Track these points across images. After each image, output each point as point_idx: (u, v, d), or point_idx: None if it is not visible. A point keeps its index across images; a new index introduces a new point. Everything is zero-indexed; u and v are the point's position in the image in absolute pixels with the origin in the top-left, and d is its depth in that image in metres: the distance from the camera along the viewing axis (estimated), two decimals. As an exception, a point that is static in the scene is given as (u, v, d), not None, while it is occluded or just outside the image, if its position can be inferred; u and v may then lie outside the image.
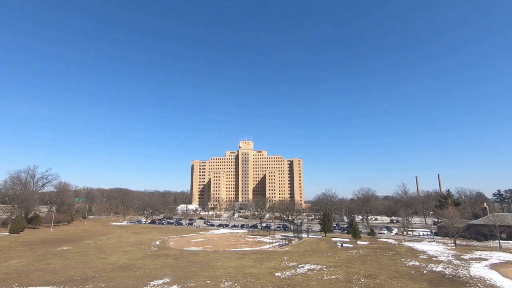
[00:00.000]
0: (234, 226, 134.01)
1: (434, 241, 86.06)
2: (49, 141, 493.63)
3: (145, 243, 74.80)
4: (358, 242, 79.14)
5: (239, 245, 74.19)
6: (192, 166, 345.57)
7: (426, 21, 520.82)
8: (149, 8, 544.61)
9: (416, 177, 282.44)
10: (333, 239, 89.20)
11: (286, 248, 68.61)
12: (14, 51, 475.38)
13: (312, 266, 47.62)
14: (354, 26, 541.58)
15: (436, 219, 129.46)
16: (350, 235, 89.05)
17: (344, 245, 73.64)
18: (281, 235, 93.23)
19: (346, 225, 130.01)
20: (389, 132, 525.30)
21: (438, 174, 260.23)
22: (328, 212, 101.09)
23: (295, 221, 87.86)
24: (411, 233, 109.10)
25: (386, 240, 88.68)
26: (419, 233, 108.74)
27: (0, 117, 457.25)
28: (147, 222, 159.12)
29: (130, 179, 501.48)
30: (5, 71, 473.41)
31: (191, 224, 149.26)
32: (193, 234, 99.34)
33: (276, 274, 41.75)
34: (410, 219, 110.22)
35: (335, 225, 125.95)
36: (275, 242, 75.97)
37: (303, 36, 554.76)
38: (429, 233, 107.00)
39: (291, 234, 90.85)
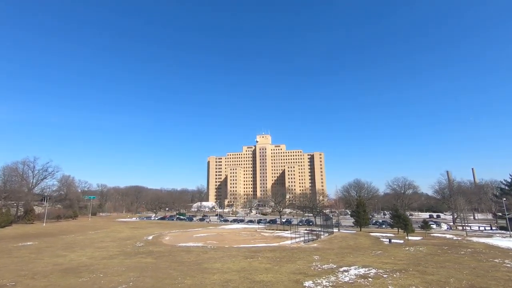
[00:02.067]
0: (250, 221, 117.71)
1: (510, 236, 65.26)
2: (69, 143, 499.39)
3: (134, 238, 59.93)
4: (410, 238, 60.09)
5: (252, 240, 57.50)
6: (208, 162, 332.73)
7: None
8: (175, 23, 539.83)
9: (447, 172, 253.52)
10: (373, 234, 70.52)
11: (315, 244, 51.04)
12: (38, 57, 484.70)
13: (362, 270, 30.03)
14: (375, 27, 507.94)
15: (494, 211, 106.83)
16: (395, 229, 70.25)
17: (392, 240, 55.02)
18: (306, 229, 75.51)
19: (382, 220, 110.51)
20: (417, 128, 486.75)
21: (472, 168, 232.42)
22: (363, 201, 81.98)
23: (323, 211, 69.28)
24: (467, 227, 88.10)
25: (443, 235, 68.94)
26: (479, 227, 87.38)
27: (20, 121, 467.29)
28: (156, 218, 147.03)
29: (148, 178, 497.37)
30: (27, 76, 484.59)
31: (203, 220, 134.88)
32: (200, 229, 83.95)
33: (306, 283, 24.63)
34: (465, 210, 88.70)
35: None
36: (299, 237, 58.48)
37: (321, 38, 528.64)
38: (493, 228, 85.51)
39: (318, 229, 72.95)
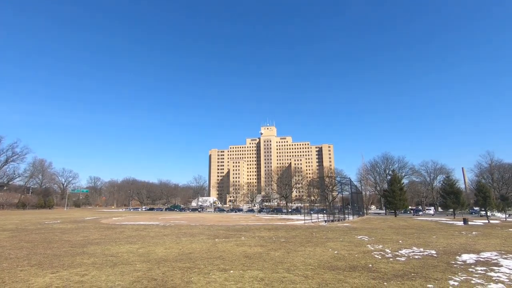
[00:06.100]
0: (250, 211, 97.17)
1: None
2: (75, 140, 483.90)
3: (68, 219, 40.24)
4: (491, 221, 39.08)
5: (243, 221, 37.16)
6: (210, 156, 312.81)
7: None
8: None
9: (462, 168, 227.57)
10: (418, 218, 49.43)
11: (347, 224, 30.27)
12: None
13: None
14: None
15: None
16: (442, 215, 49.21)
17: (470, 222, 34.04)
18: (322, 215, 54.40)
19: (411, 208, 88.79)
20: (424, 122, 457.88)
21: (491, 162, 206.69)
22: (398, 178, 60.75)
23: (352, 182, 47.87)
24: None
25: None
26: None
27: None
28: (143, 209, 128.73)
29: (151, 173, 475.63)
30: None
31: (196, 210, 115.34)
32: (180, 216, 63.86)
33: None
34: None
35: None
36: (316, 220, 37.90)
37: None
38: None
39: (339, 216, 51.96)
